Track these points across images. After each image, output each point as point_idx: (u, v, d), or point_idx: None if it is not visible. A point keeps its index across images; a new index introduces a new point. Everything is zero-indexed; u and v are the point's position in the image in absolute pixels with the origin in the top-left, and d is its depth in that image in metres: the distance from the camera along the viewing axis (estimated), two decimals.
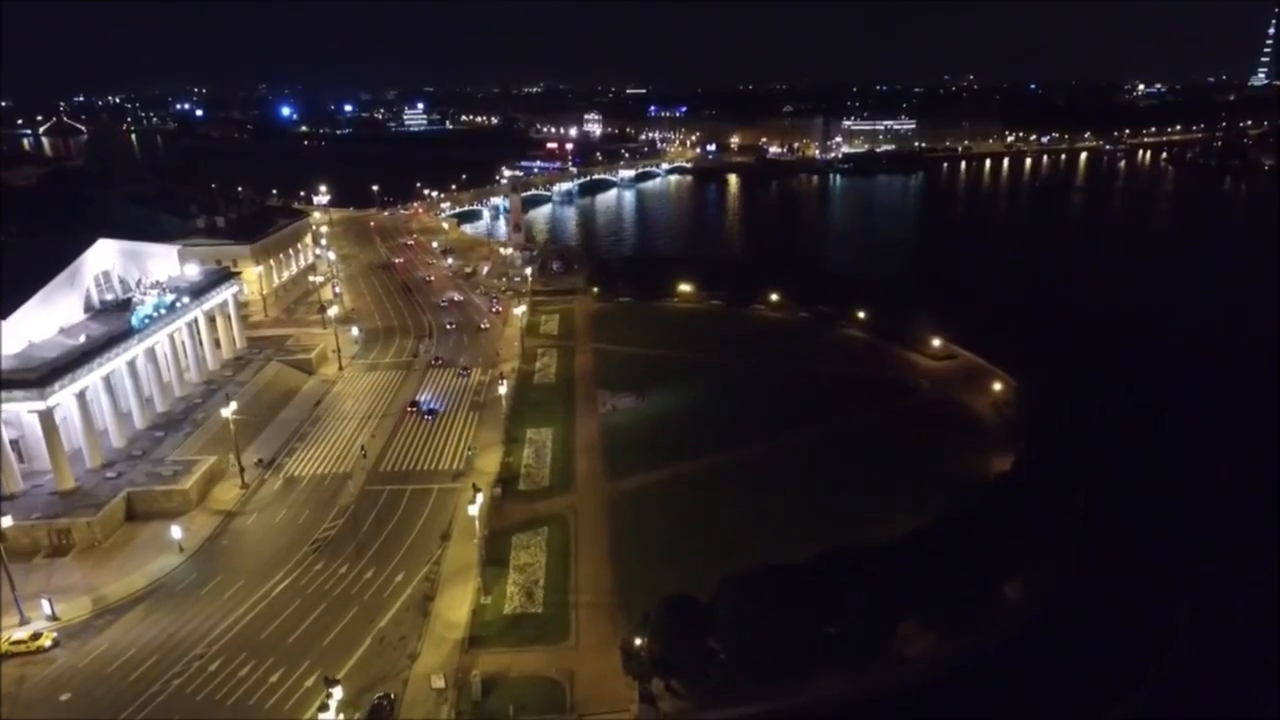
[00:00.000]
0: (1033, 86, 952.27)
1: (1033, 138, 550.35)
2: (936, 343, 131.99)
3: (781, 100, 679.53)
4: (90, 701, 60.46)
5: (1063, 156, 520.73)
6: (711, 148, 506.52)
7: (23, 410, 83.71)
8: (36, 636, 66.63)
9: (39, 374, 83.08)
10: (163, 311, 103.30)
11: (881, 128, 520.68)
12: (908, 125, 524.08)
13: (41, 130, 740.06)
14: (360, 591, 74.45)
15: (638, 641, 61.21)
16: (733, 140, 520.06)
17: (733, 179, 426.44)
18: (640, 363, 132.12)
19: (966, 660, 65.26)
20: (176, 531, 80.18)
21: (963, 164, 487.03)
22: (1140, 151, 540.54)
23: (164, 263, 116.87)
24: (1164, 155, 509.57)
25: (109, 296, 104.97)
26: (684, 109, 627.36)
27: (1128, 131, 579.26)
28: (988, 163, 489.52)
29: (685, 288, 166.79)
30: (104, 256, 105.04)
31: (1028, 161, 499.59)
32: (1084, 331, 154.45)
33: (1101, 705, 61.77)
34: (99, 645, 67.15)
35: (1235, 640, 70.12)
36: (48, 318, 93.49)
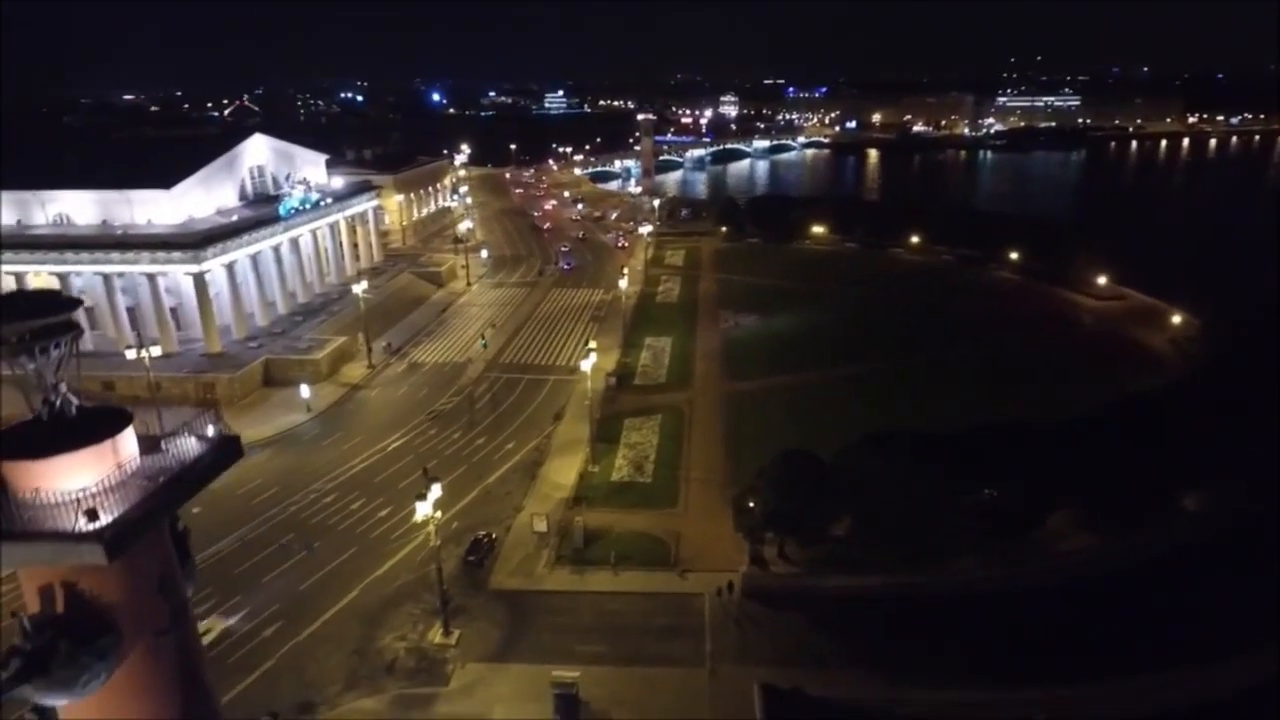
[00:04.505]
0: (1219, 76, 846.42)
1: (1219, 118, 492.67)
2: (1102, 281, 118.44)
3: (927, 90, 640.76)
4: (217, 515, 62.67)
5: (1256, 137, 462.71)
6: (851, 125, 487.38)
7: (180, 273, 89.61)
8: None
9: (195, 240, 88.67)
10: (307, 206, 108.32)
11: (1041, 104, 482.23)
12: (1071, 101, 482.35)
13: (226, 113, 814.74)
14: (470, 454, 74.30)
15: (751, 504, 56.98)
16: (874, 118, 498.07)
17: (872, 153, 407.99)
18: (766, 291, 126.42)
19: (1125, 566, 56.22)
20: (305, 391, 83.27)
21: (1133, 143, 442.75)
22: None
23: (313, 169, 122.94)
24: None
25: (261, 191, 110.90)
26: (824, 90, 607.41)
27: None
28: (1163, 142, 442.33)
29: (818, 229, 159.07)
30: (259, 151, 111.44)
31: (1212, 142, 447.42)
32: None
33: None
34: (229, 475, 68.35)
35: None
36: (207, 198, 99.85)
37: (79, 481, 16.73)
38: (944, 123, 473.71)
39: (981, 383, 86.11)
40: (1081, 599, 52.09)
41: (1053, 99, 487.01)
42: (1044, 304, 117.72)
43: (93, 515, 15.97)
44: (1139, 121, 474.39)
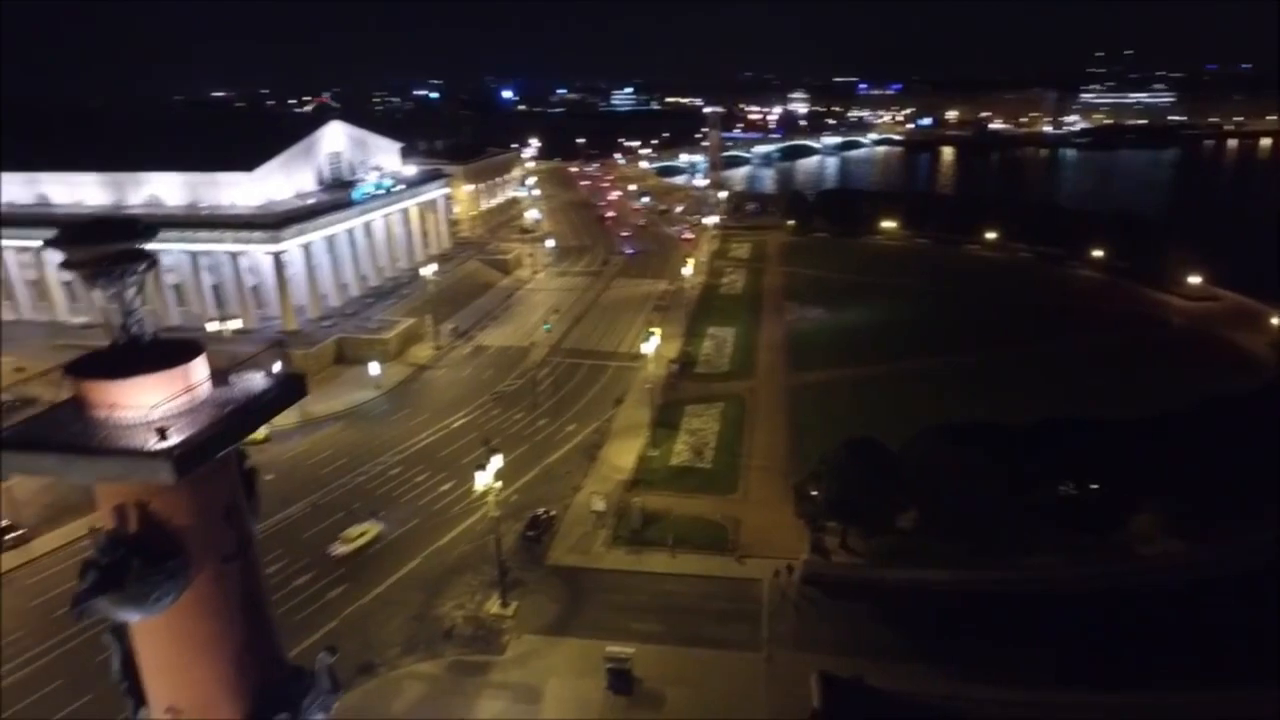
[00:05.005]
0: None
1: None
2: (1195, 280, 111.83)
3: (1006, 87, 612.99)
4: (290, 482, 65.03)
5: None
6: (926, 122, 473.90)
7: (260, 253, 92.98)
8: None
9: (274, 220, 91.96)
10: (381, 191, 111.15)
11: (1130, 100, 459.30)
12: (1164, 99, 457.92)
13: (308, 108, 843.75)
14: (532, 435, 74.99)
15: (813, 492, 55.70)
16: (949, 115, 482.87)
17: (947, 150, 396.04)
18: (833, 285, 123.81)
19: (1213, 574, 52.47)
20: (375, 369, 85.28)
21: (1230, 142, 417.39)
22: None
23: (387, 157, 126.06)
24: None
25: (338, 176, 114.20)
26: (898, 86, 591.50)
27: None
28: (1265, 141, 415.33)
29: (888, 224, 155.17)
30: (336, 138, 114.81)
31: None
32: None
33: None
34: (301, 445, 72.37)
35: None
36: (287, 182, 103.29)
37: (151, 403, 17.17)
38: (1023, 120, 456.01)
39: (1057, 380, 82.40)
40: (1161, 605, 48.95)
41: (1144, 96, 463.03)
42: (1129, 303, 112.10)
43: (163, 434, 16.34)
44: (1239, 119, 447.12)
